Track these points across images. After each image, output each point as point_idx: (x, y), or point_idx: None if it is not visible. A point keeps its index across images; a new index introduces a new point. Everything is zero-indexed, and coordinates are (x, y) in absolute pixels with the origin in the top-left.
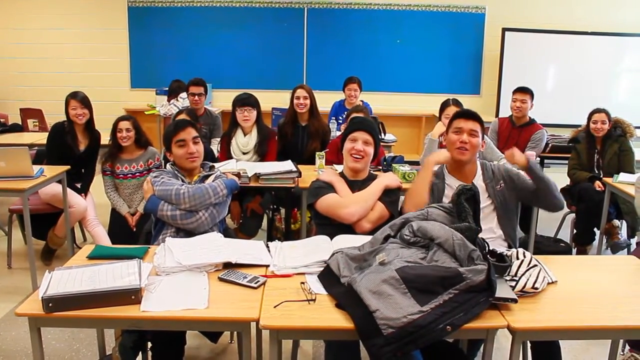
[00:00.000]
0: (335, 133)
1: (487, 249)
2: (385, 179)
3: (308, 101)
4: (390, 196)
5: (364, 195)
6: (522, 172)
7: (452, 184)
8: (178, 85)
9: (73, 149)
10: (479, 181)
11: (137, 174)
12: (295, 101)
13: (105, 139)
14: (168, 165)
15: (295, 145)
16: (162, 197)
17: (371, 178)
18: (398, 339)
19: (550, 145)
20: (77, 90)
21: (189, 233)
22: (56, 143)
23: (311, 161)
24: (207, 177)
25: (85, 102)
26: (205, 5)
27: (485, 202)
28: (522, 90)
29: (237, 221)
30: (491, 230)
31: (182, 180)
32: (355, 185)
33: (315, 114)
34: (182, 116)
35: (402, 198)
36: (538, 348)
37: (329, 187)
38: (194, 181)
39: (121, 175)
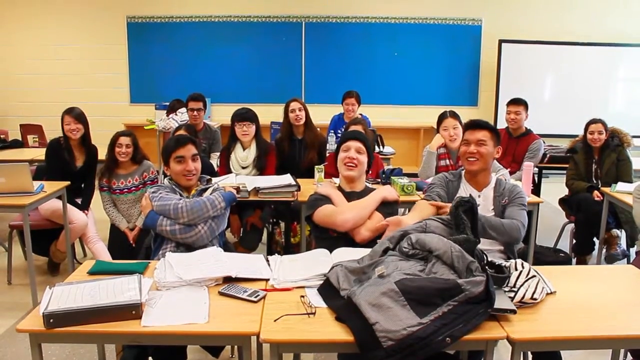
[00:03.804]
0: (334, 146)
1: (485, 260)
2: (384, 191)
3: (303, 113)
4: (388, 208)
5: (360, 203)
6: (519, 200)
7: (464, 188)
8: (178, 102)
9: (70, 164)
10: (489, 191)
11: (133, 188)
12: (290, 114)
13: (103, 154)
14: (166, 180)
15: (292, 158)
16: (161, 212)
17: (368, 190)
18: (398, 351)
19: (548, 155)
20: (74, 107)
21: (188, 247)
22: (54, 159)
23: (309, 173)
24: (204, 190)
25: (79, 117)
26: (203, 21)
27: (489, 212)
28: (516, 102)
29: (237, 235)
30: (491, 242)
31: (180, 195)
32: (352, 197)
33: (310, 126)
34: (182, 132)
35: (400, 210)
36: (538, 358)
37: (326, 199)
38: (191, 195)
39: (118, 191)
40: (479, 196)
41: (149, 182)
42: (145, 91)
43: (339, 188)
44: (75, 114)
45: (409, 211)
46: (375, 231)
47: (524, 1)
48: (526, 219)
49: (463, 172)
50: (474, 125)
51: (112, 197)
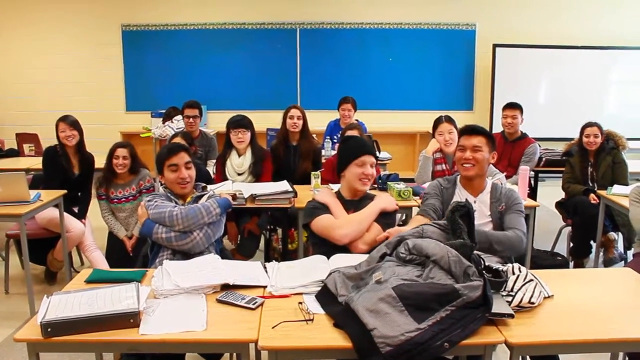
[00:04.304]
0: (330, 152)
1: (482, 264)
2: (382, 202)
3: (301, 121)
4: (386, 218)
5: (359, 217)
6: (517, 207)
7: (460, 194)
8: (174, 109)
9: (68, 172)
10: (485, 196)
11: (131, 197)
12: (288, 121)
13: (100, 162)
14: (161, 188)
15: (287, 165)
16: (156, 220)
17: (367, 197)
18: (396, 357)
19: (544, 159)
20: (68, 114)
21: (185, 255)
22: (51, 166)
23: (303, 181)
24: (200, 197)
25: (74, 124)
26: (198, 28)
27: (485, 218)
28: (512, 106)
29: (235, 242)
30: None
31: (175, 203)
32: (352, 205)
33: (306, 135)
34: (178, 139)
35: (397, 216)
36: None
37: (324, 208)
38: (186, 203)
39: (115, 200)
40: (475, 202)
41: (144, 190)
42: (141, 99)
43: (338, 194)
44: (70, 121)
45: (406, 217)
46: (372, 244)
47: (517, 6)
48: (525, 226)
49: (458, 177)
50: (469, 130)
51: (110, 205)
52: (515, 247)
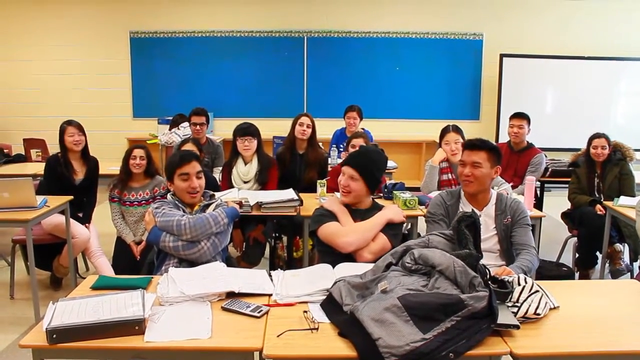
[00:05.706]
0: (336, 161)
1: (488, 275)
2: (390, 213)
3: (310, 129)
4: (393, 229)
5: (365, 226)
6: (524, 220)
7: (464, 209)
8: (180, 116)
9: (70, 179)
10: (490, 210)
11: (144, 202)
12: (298, 127)
13: (104, 168)
14: (169, 196)
15: (293, 173)
16: (164, 229)
17: (375, 208)
18: None
19: (550, 169)
20: (71, 119)
21: (191, 263)
22: (52, 177)
23: (308, 189)
24: (207, 206)
25: (81, 128)
26: (206, 36)
27: (491, 232)
28: (519, 116)
29: (240, 249)
30: (492, 258)
31: (183, 211)
32: (358, 214)
33: (314, 144)
34: (189, 146)
35: (403, 226)
36: None
37: (331, 216)
38: (194, 211)
39: (128, 203)
40: (480, 216)
41: (159, 197)
42: (148, 106)
43: (345, 204)
44: (77, 125)
45: (411, 226)
46: (378, 253)
47: (524, 16)
48: (533, 239)
49: (462, 190)
50: (470, 145)
51: (121, 208)
52: (536, 267)
